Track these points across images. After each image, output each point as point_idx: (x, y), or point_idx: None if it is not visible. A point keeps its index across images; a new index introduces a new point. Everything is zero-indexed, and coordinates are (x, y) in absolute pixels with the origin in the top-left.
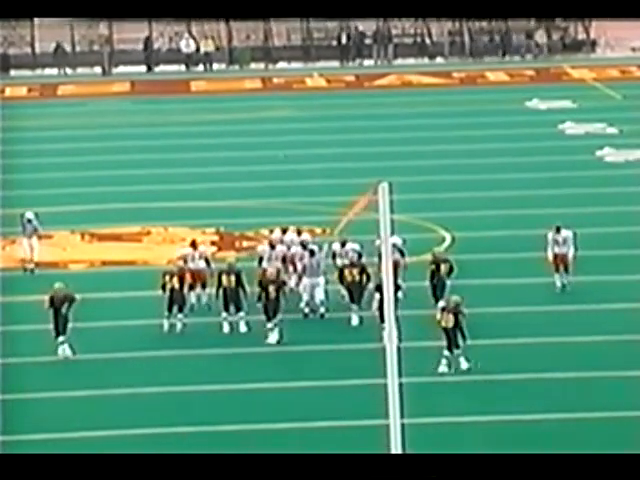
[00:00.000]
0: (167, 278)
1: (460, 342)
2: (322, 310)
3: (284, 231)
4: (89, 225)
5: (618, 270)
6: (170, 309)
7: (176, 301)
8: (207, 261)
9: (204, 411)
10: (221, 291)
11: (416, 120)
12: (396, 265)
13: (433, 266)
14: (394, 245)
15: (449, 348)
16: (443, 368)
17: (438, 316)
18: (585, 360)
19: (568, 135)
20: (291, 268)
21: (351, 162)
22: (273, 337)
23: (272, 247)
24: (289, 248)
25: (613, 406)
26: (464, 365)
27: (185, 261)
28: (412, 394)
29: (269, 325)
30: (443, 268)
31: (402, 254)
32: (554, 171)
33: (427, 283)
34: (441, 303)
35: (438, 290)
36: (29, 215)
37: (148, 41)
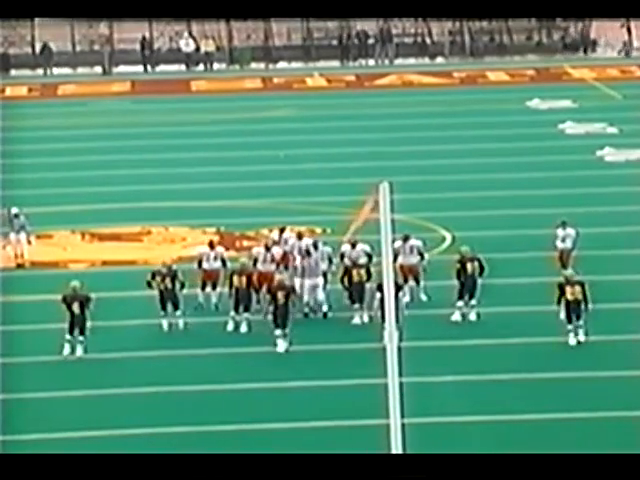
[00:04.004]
0: (158, 279)
1: (583, 312)
2: (325, 309)
3: (282, 230)
4: (89, 225)
5: (618, 270)
6: (164, 308)
7: (168, 300)
8: (223, 262)
9: (204, 411)
10: (233, 291)
11: (416, 120)
12: (416, 267)
13: (459, 265)
14: (413, 247)
15: (570, 319)
16: (574, 339)
17: (565, 290)
18: (585, 360)
19: (568, 135)
20: (285, 268)
21: (352, 162)
22: (282, 346)
23: (267, 249)
24: (284, 249)
25: (613, 406)
26: (582, 338)
27: (201, 260)
28: (413, 394)
29: (277, 332)
30: (469, 267)
31: (422, 256)
32: (554, 171)
33: (444, 282)
34: (564, 277)
35: (466, 289)
36: (14, 210)
37: (144, 41)
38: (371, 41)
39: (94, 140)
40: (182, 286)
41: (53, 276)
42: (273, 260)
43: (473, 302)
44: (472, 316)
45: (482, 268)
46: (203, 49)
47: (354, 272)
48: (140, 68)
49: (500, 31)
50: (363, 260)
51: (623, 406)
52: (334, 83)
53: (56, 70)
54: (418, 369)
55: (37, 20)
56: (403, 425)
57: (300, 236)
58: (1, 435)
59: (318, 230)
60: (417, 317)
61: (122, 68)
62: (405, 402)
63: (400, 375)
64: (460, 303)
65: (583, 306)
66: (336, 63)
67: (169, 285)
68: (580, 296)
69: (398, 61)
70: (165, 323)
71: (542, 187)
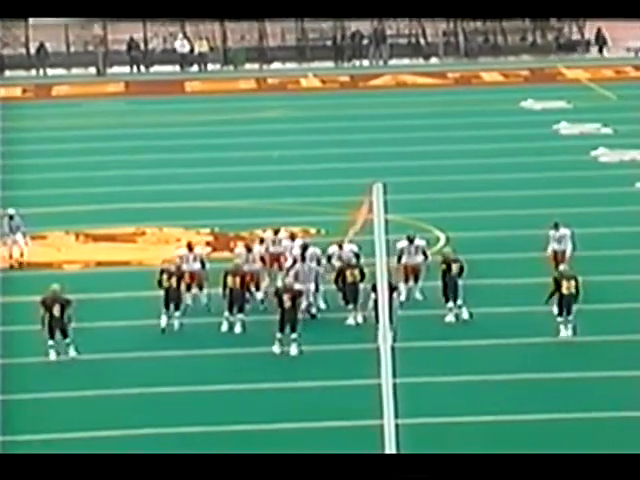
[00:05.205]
0: (165, 277)
1: (574, 307)
2: (313, 311)
3: (276, 232)
4: (84, 225)
5: (612, 270)
6: (167, 306)
7: (172, 299)
8: (202, 263)
9: (202, 411)
10: (227, 291)
11: (411, 120)
12: (419, 267)
13: (444, 266)
14: (417, 247)
15: (561, 313)
16: (565, 332)
17: (561, 284)
18: (584, 360)
19: (563, 135)
20: (276, 268)
21: (345, 162)
22: (294, 349)
23: (249, 250)
24: (277, 250)
25: (614, 406)
26: (570, 332)
27: (180, 262)
28: (406, 394)
29: (278, 335)
30: (454, 268)
31: (425, 256)
32: (549, 171)
33: (439, 283)
34: (558, 272)
35: (449, 290)
36: (11, 211)
37: (132, 42)
38: (365, 42)
39: (88, 141)
40: (188, 287)
41: (47, 277)
42: (255, 260)
43: (459, 302)
44: (465, 315)
45: (462, 269)
46: (197, 50)
47: (348, 273)
48: (135, 69)
49: (494, 32)
50: (352, 261)
51: (620, 406)
52: (328, 84)
53: (50, 71)
54: (412, 369)
55: (31, 21)
56: (397, 425)
57: (293, 237)
58: (1, 435)
59: (312, 231)
60: (411, 318)
61: (116, 69)
62: (399, 402)
63: (394, 376)
64: (450, 304)
65: (574, 301)
66: (330, 64)
67: (174, 284)
68: (574, 290)
69: (392, 62)
70: (164, 321)
71: (536, 187)
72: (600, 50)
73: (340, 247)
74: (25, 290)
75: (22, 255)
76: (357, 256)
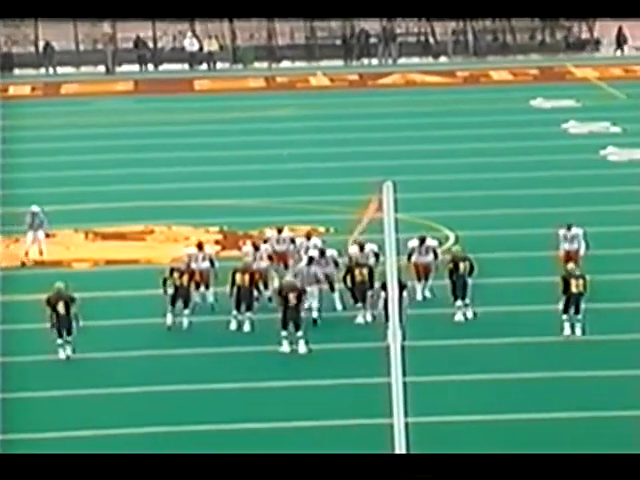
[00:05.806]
0: (175, 275)
1: (582, 306)
2: (315, 315)
3: (280, 230)
4: (93, 224)
5: (622, 269)
6: (174, 304)
7: (181, 297)
8: (212, 262)
9: (209, 410)
10: (235, 289)
11: (420, 119)
12: (430, 266)
13: (451, 265)
14: (428, 247)
15: (566, 311)
16: (570, 330)
17: (570, 283)
18: (587, 359)
19: (572, 134)
20: (282, 266)
21: (355, 161)
22: (302, 347)
23: (256, 248)
24: (284, 249)
25: (615, 405)
26: (577, 332)
27: (189, 261)
28: (416, 393)
29: (284, 333)
30: (462, 266)
31: (435, 256)
32: (558, 170)
33: (447, 281)
34: (566, 271)
35: (458, 289)
36: (35, 209)
37: (138, 40)
38: (374, 40)
39: (97, 139)
40: (197, 286)
41: (57, 275)
42: (263, 258)
43: (467, 301)
44: (469, 314)
45: (472, 268)
46: (206, 48)
47: (356, 271)
48: (143, 67)
49: (503, 30)
50: (371, 260)
51: (626, 405)
52: (337, 82)
53: (59, 69)
54: (422, 368)
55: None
56: (406, 424)
57: (309, 236)
58: (1, 434)
59: (321, 229)
60: (420, 316)
61: (125, 67)
62: (408, 401)
63: (404, 374)
64: (459, 303)
65: (582, 301)
66: (339, 62)
67: (185, 282)
68: (583, 289)
69: (401, 60)
70: (169, 318)
71: (545, 186)
72: (619, 48)
73: (362, 248)
74: (35, 288)
75: (41, 253)
76: (377, 256)
